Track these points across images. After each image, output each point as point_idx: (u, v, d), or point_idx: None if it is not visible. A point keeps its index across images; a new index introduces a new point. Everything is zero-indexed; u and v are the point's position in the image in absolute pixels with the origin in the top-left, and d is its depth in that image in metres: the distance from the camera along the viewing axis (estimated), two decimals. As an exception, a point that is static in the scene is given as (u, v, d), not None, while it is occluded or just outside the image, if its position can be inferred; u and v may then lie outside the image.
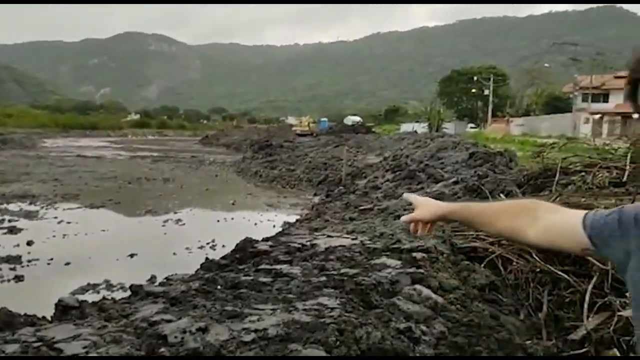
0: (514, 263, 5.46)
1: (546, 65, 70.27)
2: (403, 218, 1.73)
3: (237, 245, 6.07)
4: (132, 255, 9.19)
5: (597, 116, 46.52)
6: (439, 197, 8.93)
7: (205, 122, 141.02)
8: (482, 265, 5.47)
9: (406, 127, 63.43)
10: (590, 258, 4.85)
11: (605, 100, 49.69)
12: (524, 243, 1.42)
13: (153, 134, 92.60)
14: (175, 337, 2.97)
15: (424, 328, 3.96)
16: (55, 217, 12.43)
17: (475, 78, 67.09)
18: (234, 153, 42.03)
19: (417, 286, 4.43)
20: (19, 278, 7.62)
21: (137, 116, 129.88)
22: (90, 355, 2.66)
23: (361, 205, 9.70)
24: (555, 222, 1.33)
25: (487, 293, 4.96)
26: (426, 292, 4.33)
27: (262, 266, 4.71)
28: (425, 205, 1.67)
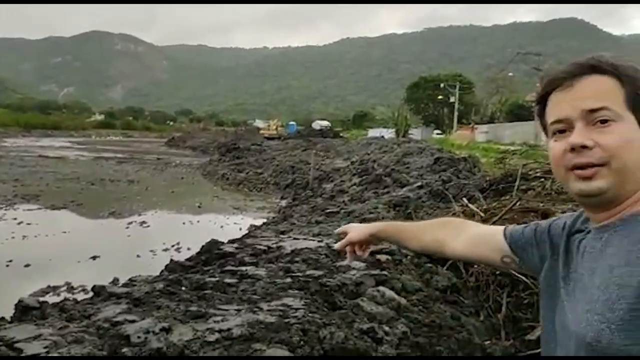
0: (475, 265, 5.61)
1: (510, 74, 71.87)
2: (336, 245, 1.83)
3: (202, 247, 6.05)
4: (94, 258, 9.02)
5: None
6: (404, 201, 9.08)
7: (171, 123, 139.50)
8: (445, 267, 5.59)
9: (374, 132, 63.96)
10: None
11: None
12: (448, 255, 1.52)
13: (118, 135, 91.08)
14: (138, 337, 2.95)
15: (386, 328, 4.03)
16: (15, 218, 12.10)
17: (441, 85, 68.20)
18: (201, 155, 41.64)
19: (381, 288, 4.50)
20: (-24, 280, 7.42)
21: (102, 117, 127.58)
22: (51, 355, 2.64)
23: (328, 209, 9.78)
24: (479, 232, 1.46)
25: (449, 295, 5.07)
26: (389, 293, 4.40)
27: (228, 267, 4.71)
28: (354, 229, 1.77)
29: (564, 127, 1.04)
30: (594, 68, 1.03)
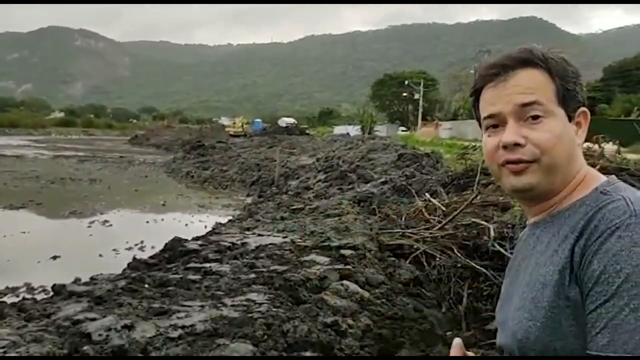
0: (438, 259, 5.72)
1: (472, 71, 73.04)
2: None
3: (166, 244, 6.00)
4: (55, 257, 8.82)
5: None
6: (369, 196, 9.18)
7: (134, 121, 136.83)
8: (408, 261, 5.69)
9: (340, 129, 64.19)
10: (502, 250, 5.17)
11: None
12: None
13: (79, 133, 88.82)
14: (100, 335, 2.93)
15: (350, 322, 4.09)
16: (-30, 219, 11.74)
17: (406, 82, 68.86)
18: (165, 153, 41.03)
19: (345, 282, 4.56)
20: None
21: (62, 114, 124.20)
22: (9, 355, 2.59)
23: (293, 205, 9.80)
24: None
25: (412, 287, 5.17)
26: (353, 287, 4.46)
27: (191, 265, 4.70)
28: None
29: (497, 122, 1.04)
30: (526, 61, 1.04)
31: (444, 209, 6.54)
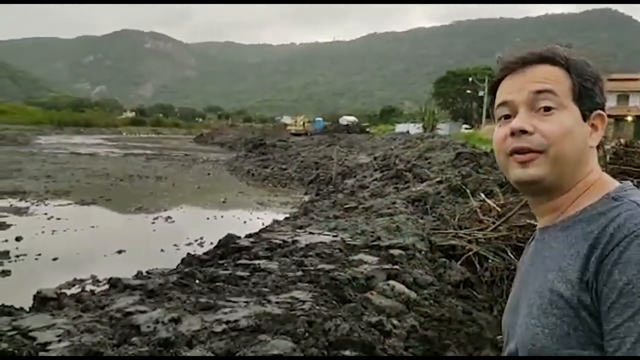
0: (490, 260, 5.60)
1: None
2: None
3: (219, 241, 6.17)
4: (120, 252, 9.25)
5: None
6: (423, 196, 9.07)
7: (200, 120, 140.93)
8: (459, 262, 5.60)
9: (401, 128, 63.57)
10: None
11: (598, 103, 49.90)
12: None
13: (148, 132, 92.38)
14: (148, 327, 3.06)
15: (395, 322, 4.08)
16: (46, 214, 12.45)
17: (470, 79, 67.26)
18: (228, 152, 42.05)
19: (392, 282, 4.54)
20: (5, 273, 7.68)
21: (132, 114, 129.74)
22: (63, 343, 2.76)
23: (347, 204, 9.83)
24: None
25: (462, 289, 5.08)
26: (399, 287, 4.44)
27: (241, 261, 4.81)
28: None
29: (509, 112, 1.04)
30: (546, 58, 1.04)
31: (499, 209, 6.38)
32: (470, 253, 5.68)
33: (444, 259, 5.62)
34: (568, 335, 0.92)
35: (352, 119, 70.35)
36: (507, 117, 1.05)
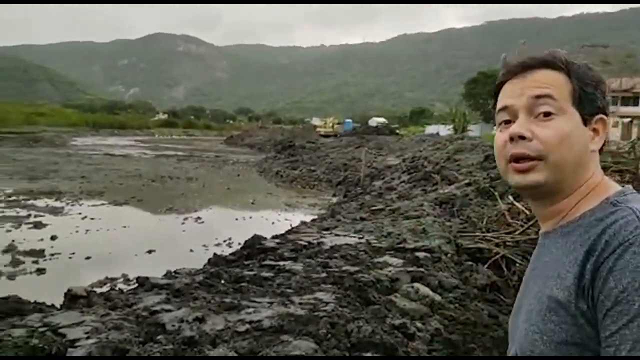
0: (518, 264, 5.53)
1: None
2: None
3: (245, 242, 6.23)
4: (150, 252, 9.44)
5: (627, 119, 45.62)
6: (451, 198, 8.99)
7: (230, 122, 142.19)
8: (486, 265, 5.54)
9: (431, 129, 63.03)
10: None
11: (635, 104, 48.64)
12: None
13: (179, 133, 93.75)
14: (173, 325, 3.13)
15: (419, 325, 4.07)
16: (80, 213, 12.79)
17: (501, 80, 66.22)
18: (258, 153, 42.41)
19: (416, 284, 4.53)
20: (40, 271, 7.93)
21: (165, 116, 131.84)
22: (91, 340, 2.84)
23: (374, 206, 9.81)
24: None
25: (488, 293, 5.03)
26: (424, 290, 4.42)
27: (267, 262, 4.86)
28: None
29: (509, 117, 1.05)
30: (547, 63, 1.04)
31: (527, 212, 6.28)
32: (498, 256, 5.62)
33: (470, 262, 5.57)
34: (566, 342, 0.92)
35: (381, 120, 70.05)
36: (508, 122, 1.05)
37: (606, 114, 1.06)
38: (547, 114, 1.00)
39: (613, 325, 0.86)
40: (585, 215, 0.99)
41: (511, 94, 1.05)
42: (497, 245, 5.88)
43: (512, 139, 1.01)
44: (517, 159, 1.01)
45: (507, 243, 5.86)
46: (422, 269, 4.89)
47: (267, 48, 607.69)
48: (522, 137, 1.00)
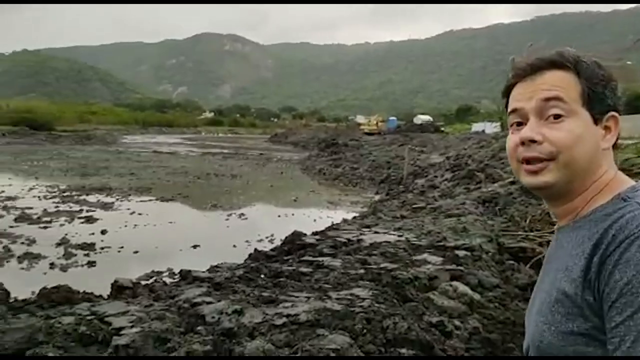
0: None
1: (629, 62, 66.54)
2: None
3: (286, 238, 6.32)
4: (195, 247, 9.65)
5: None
6: (494, 197, 8.84)
7: (275, 120, 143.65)
8: (528, 265, 5.45)
9: (477, 127, 61.91)
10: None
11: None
12: None
13: (225, 131, 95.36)
14: (213, 317, 3.23)
15: (457, 323, 4.05)
16: (129, 209, 13.18)
17: (551, 76, 64.37)
18: (301, 151, 42.66)
19: (455, 282, 4.50)
20: (91, 263, 8.24)
21: (211, 114, 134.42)
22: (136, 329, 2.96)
23: (415, 204, 9.75)
24: None
25: (529, 292, 4.94)
26: (462, 288, 4.39)
27: (305, 258, 4.92)
28: None
29: (520, 120, 1.06)
30: (555, 63, 1.05)
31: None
32: (540, 256, 5.51)
33: (512, 261, 5.49)
34: (572, 332, 0.94)
35: (426, 118, 69.32)
36: (520, 123, 1.07)
37: (618, 111, 1.06)
38: (557, 116, 1.02)
39: (618, 317, 0.88)
40: (596, 211, 1.00)
41: (521, 97, 1.07)
42: (540, 244, 5.77)
43: (523, 142, 1.04)
44: (528, 160, 1.03)
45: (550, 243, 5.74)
46: (461, 268, 4.85)
47: (312, 46, 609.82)
48: (533, 141, 1.02)
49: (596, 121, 1.03)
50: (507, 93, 1.13)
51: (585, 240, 0.97)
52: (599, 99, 1.03)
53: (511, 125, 1.10)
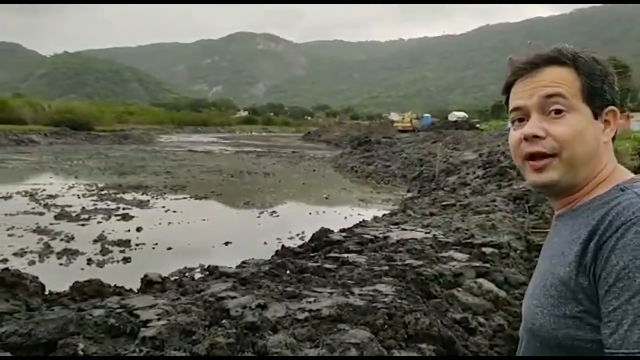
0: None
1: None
2: None
3: (313, 235, 6.38)
4: (227, 243, 9.82)
5: None
6: (525, 194, 8.71)
7: (308, 118, 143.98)
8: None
9: (513, 123, 60.69)
10: None
11: None
12: None
13: (259, 130, 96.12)
14: (237, 311, 3.31)
15: (481, 319, 4.04)
16: (163, 207, 13.49)
17: (591, 70, 62.56)
18: (334, 149, 42.72)
19: (480, 279, 4.49)
20: (126, 259, 8.49)
21: (245, 113, 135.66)
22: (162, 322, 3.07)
23: (445, 201, 9.68)
24: None
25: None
26: (488, 285, 4.38)
27: (331, 254, 4.98)
28: None
29: (522, 116, 1.08)
30: (554, 59, 1.06)
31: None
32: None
33: (540, 259, 5.42)
34: (565, 316, 0.96)
35: (461, 114, 68.45)
36: (521, 119, 1.09)
37: (616, 105, 1.08)
38: (558, 112, 1.04)
39: (615, 301, 0.89)
40: (595, 200, 1.02)
41: (522, 95, 1.09)
42: (570, 242, 5.67)
43: (526, 138, 1.06)
44: (532, 156, 1.05)
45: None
46: (487, 265, 4.83)
47: (345, 44, 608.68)
48: (536, 136, 1.04)
49: (596, 116, 1.05)
50: (506, 91, 1.15)
51: (582, 227, 0.99)
52: (598, 94, 1.05)
53: (513, 122, 1.12)
